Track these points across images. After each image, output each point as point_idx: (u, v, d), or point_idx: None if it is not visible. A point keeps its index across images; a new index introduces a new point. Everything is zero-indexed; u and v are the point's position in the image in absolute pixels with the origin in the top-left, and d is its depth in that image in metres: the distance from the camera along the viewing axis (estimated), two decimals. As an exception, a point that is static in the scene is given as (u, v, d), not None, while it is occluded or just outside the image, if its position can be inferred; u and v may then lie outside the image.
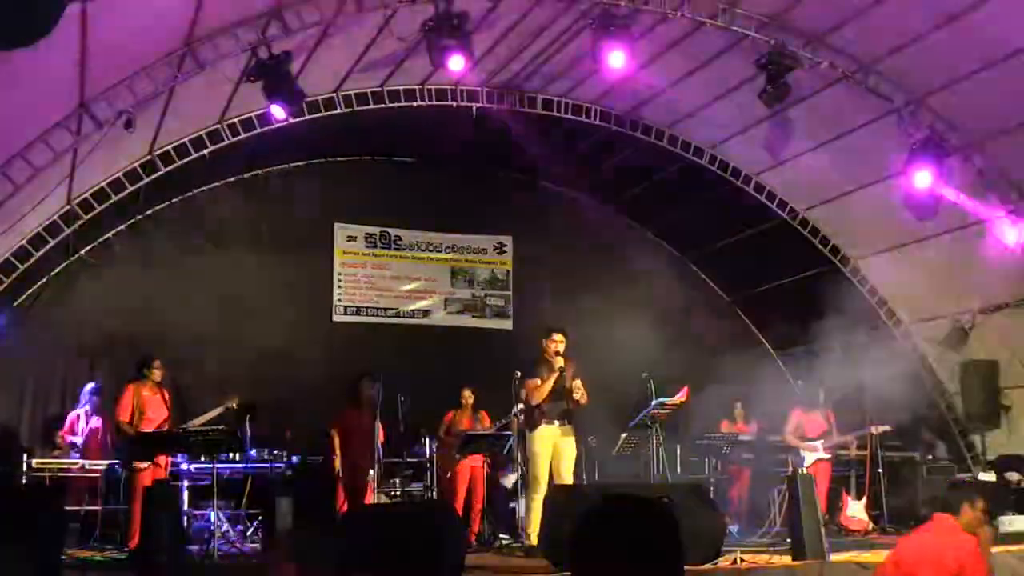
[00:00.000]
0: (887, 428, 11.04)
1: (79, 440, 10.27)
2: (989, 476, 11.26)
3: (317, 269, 12.86)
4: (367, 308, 13.13)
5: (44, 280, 10.84)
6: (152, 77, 8.54)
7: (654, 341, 11.39)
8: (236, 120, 10.48)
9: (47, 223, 10.16)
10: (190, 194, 11.99)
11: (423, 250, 13.53)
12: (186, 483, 9.56)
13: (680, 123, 12.09)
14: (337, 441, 9.77)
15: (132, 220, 11.56)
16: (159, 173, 10.53)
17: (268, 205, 12.48)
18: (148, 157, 10.39)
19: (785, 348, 14.37)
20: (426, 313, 13.47)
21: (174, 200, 11.90)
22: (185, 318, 11.32)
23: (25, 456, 9.70)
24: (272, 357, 11.44)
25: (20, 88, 7.38)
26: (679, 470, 11.42)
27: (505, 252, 13.94)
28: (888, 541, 9.71)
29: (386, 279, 13.30)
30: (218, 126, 10.49)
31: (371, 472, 9.65)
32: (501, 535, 10.07)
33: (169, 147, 10.44)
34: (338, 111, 10.75)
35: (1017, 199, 10.82)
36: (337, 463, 9.76)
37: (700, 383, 10.21)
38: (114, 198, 10.44)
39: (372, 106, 10.91)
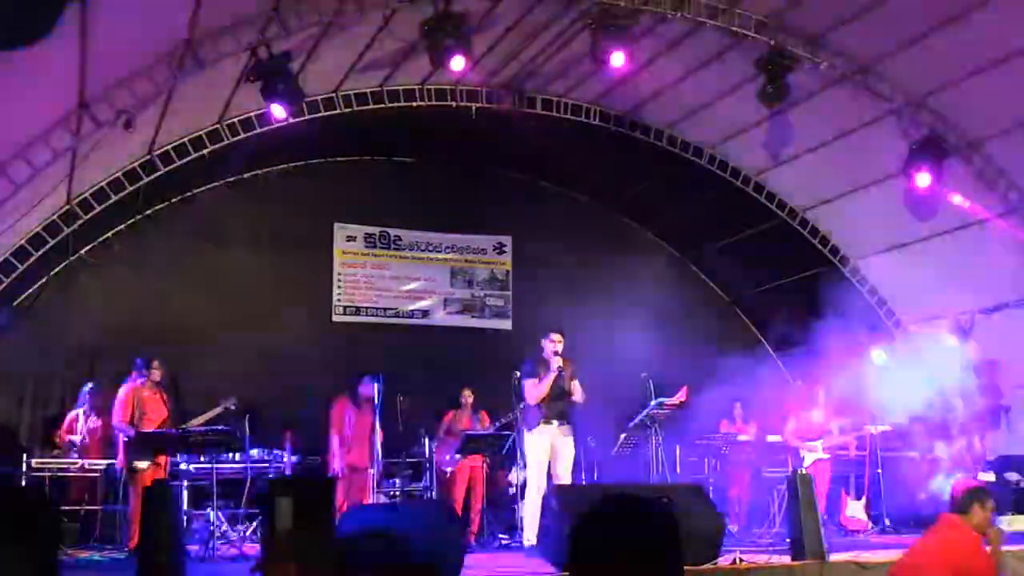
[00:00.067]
0: (886, 428, 11.04)
1: (78, 440, 10.26)
2: (988, 476, 11.25)
3: (317, 269, 12.86)
4: (367, 308, 13.13)
5: (44, 280, 10.85)
6: (152, 77, 8.53)
7: (654, 341, 11.40)
8: (236, 120, 10.49)
9: (47, 223, 10.16)
10: (190, 194, 11.99)
11: (423, 250, 13.53)
12: (186, 483, 9.56)
13: (680, 123, 12.09)
14: (336, 440, 9.77)
15: (132, 220, 11.55)
16: (159, 173, 10.53)
17: (268, 205, 12.46)
18: (148, 157, 10.39)
19: (785, 348, 14.36)
20: (425, 313, 13.47)
21: (174, 200, 11.89)
22: (185, 318, 11.33)
23: (24, 456, 9.71)
24: (272, 357, 11.46)
25: (20, 88, 7.38)
26: (679, 470, 11.42)
27: (504, 252, 13.93)
28: (887, 541, 9.73)
29: (386, 279, 13.30)
30: (218, 126, 10.50)
31: (371, 472, 9.65)
32: (500, 535, 10.07)
33: (169, 147, 10.45)
34: (338, 111, 10.76)
35: (1017, 199, 10.82)
36: (336, 463, 9.76)
37: (700, 383, 10.21)
38: (114, 198, 10.44)
39: (372, 106, 10.92)
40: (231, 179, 12.17)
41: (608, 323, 11.96)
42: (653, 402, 8.82)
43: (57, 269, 10.91)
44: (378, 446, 9.56)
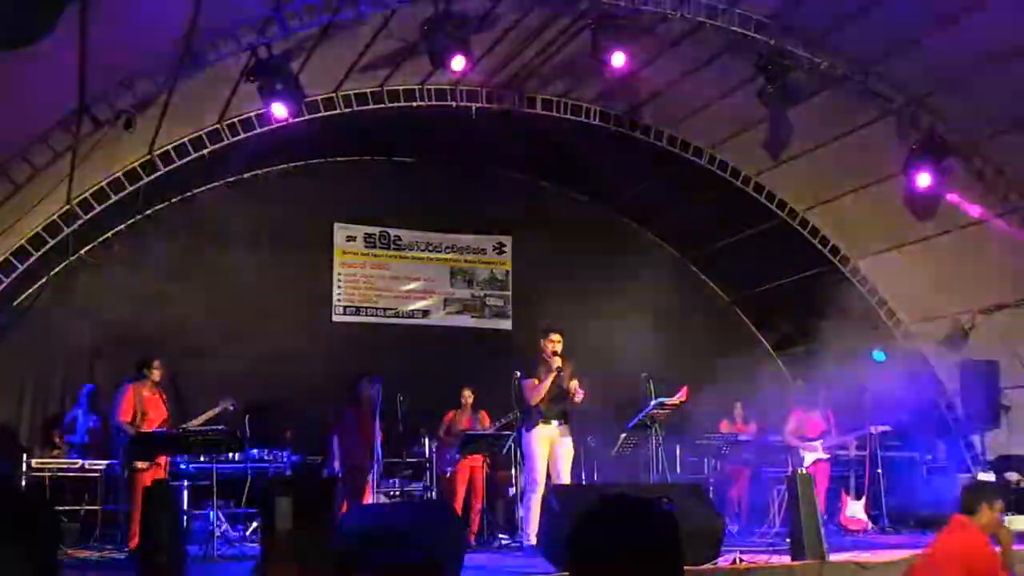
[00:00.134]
0: (886, 428, 11.05)
1: (77, 440, 10.27)
2: (988, 476, 11.26)
3: (316, 269, 12.87)
4: (366, 308, 13.14)
5: (44, 280, 10.84)
6: (152, 77, 8.53)
7: (654, 341, 11.40)
8: (236, 120, 10.48)
9: (47, 223, 10.15)
10: (190, 194, 11.99)
11: (422, 250, 13.53)
12: (186, 483, 9.56)
13: (680, 123, 12.09)
14: (337, 442, 9.78)
15: (132, 220, 11.55)
16: (159, 173, 10.51)
17: (268, 205, 12.47)
18: (148, 157, 10.38)
19: (785, 348, 14.38)
20: (425, 313, 13.47)
21: (174, 200, 11.90)
22: (185, 318, 11.32)
23: (24, 456, 9.72)
24: (272, 357, 11.44)
25: (20, 88, 7.38)
26: (679, 470, 11.42)
27: (504, 252, 13.94)
28: (887, 541, 9.73)
29: (385, 279, 13.30)
30: (218, 126, 10.49)
31: (371, 472, 9.66)
32: (500, 535, 10.07)
33: (169, 147, 10.43)
34: (338, 111, 10.75)
35: (1017, 199, 10.82)
36: (336, 464, 9.76)
37: (700, 383, 10.21)
38: (114, 198, 10.42)
39: (372, 106, 10.91)
40: (231, 179, 12.18)
41: (608, 323, 11.95)
42: (653, 402, 8.82)
43: (57, 269, 10.90)
44: (378, 446, 9.57)
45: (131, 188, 10.47)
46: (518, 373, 8.89)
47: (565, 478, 8.64)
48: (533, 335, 9.12)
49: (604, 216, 14.34)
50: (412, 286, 13.42)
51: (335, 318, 12.93)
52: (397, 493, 10.53)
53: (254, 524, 9.67)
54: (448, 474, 10.30)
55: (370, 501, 9.64)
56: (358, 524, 6.96)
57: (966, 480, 11.23)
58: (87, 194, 10.26)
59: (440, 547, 6.34)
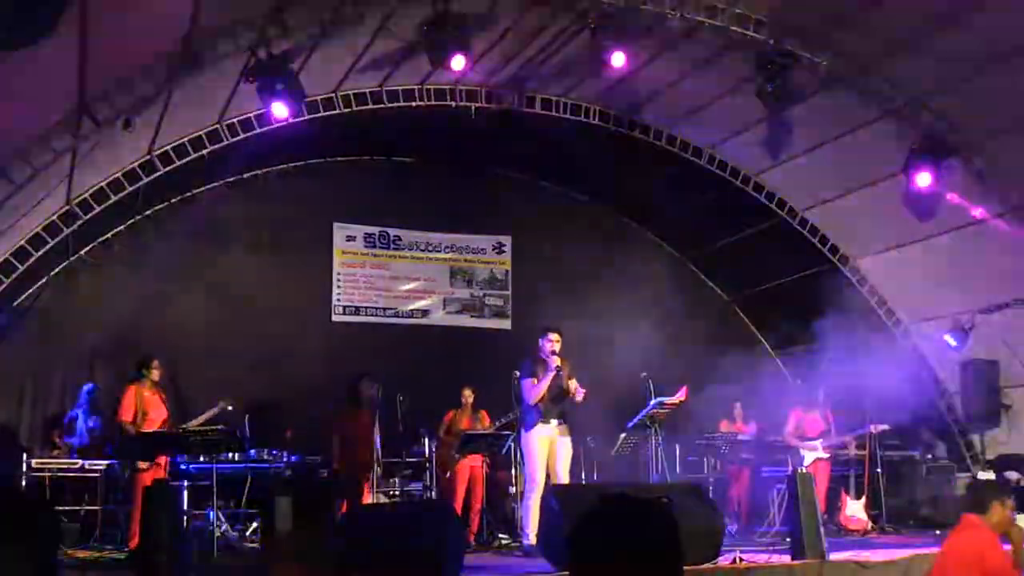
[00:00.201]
0: (886, 428, 11.05)
1: (77, 440, 10.27)
2: (988, 475, 11.27)
3: (316, 269, 12.87)
4: (366, 308, 13.14)
5: (44, 280, 10.84)
6: (152, 77, 8.53)
7: (654, 341, 11.38)
8: (235, 120, 10.47)
9: (46, 223, 10.14)
10: (190, 194, 11.99)
11: (422, 250, 13.53)
12: (186, 483, 9.56)
13: (680, 123, 12.09)
14: (337, 443, 9.78)
15: (131, 220, 11.55)
16: (158, 173, 10.51)
17: (268, 205, 12.47)
18: (147, 157, 10.37)
19: (785, 348, 14.37)
20: (425, 313, 13.47)
21: (174, 200, 11.90)
22: (185, 318, 11.34)
23: (24, 456, 9.72)
24: (272, 357, 11.46)
25: (20, 88, 7.38)
26: (678, 470, 11.42)
27: (504, 252, 13.94)
28: (887, 541, 9.73)
29: (385, 279, 13.30)
30: (217, 126, 10.49)
31: (371, 472, 9.66)
32: (500, 535, 10.07)
33: (168, 147, 10.43)
34: (337, 111, 10.75)
35: (1017, 199, 10.82)
36: (336, 464, 9.76)
37: (700, 383, 10.22)
38: (113, 198, 10.42)
39: (371, 106, 10.91)
40: (231, 179, 12.17)
41: (608, 323, 11.95)
42: (653, 402, 8.82)
43: (57, 269, 10.90)
44: (378, 446, 9.57)
45: (131, 188, 10.47)
46: (517, 373, 8.89)
47: (564, 478, 8.64)
48: (533, 335, 9.12)
49: (604, 216, 14.34)
50: (412, 286, 13.42)
51: (335, 318, 12.93)
52: (396, 493, 10.53)
53: (254, 524, 9.67)
54: (448, 474, 10.29)
55: (370, 501, 9.64)
56: (358, 524, 6.97)
57: (974, 479, 11.25)
58: (87, 194, 10.25)
59: (440, 547, 6.35)
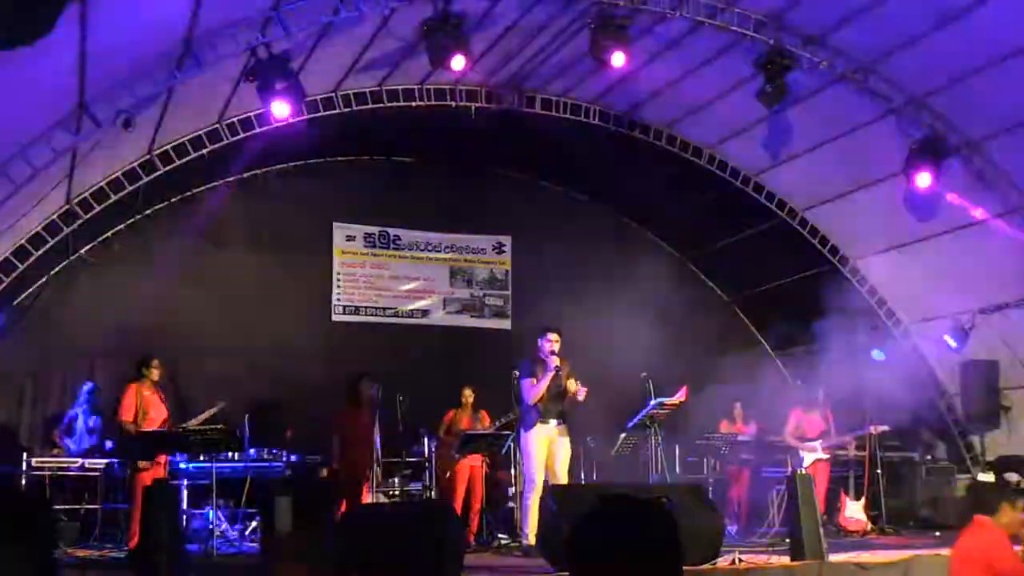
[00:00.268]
0: (886, 428, 11.04)
1: (77, 439, 10.27)
2: (988, 477, 11.26)
3: (316, 269, 12.87)
4: (366, 308, 13.14)
5: (44, 280, 10.86)
6: (151, 77, 8.53)
7: (653, 341, 11.38)
8: (235, 120, 10.49)
9: (47, 223, 10.17)
10: (190, 194, 11.99)
11: (422, 250, 13.53)
12: (185, 482, 9.57)
13: (680, 123, 12.09)
14: (337, 443, 9.77)
15: (131, 220, 11.56)
16: (158, 173, 10.53)
17: (267, 205, 12.47)
18: (147, 157, 10.40)
19: (785, 348, 14.37)
20: (425, 313, 13.47)
21: (174, 200, 11.90)
22: (184, 318, 11.33)
23: (25, 455, 9.72)
24: (271, 356, 11.46)
25: (20, 88, 7.38)
26: (678, 470, 11.42)
27: (504, 252, 13.94)
28: (887, 541, 9.73)
29: (385, 279, 13.30)
30: (217, 126, 10.50)
31: (370, 472, 9.66)
32: (500, 535, 10.07)
33: (168, 147, 10.45)
34: (337, 111, 10.75)
35: (1017, 199, 10.82)
36: (336, 463, 9.76)
37: (700, 383, 10.22)
38: (113, 198, 10.45)
39: (371, 106, 10.92)
40: (231, 179, 12.17)
41: (608, 323, 11.95)
42: (653, 402, 8.82)
43: (57, 269, 10.91)
44: (378, 446, 9.57)
45: (131, 188, 10.49)
46: (516, 372, 8.89)
47: (563, 477, 8.64)
48: (533, 335, 9.12)
49: (604, 216, 14.33)
50: (412, 286, 13.42)
51: (335, 318, 12.93)
52: (396, 493, 10.52)
53: (254, 523, 9.67)
54: (448, 474, 10.29)
55: (370, 501, 9.64)
56: (358, 524, 6.97)
57: (974, 481, 11.25)
58: (87, 194, 10.28)
59: (440, 547, 6.34)
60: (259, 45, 8.56)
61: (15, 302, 10.69)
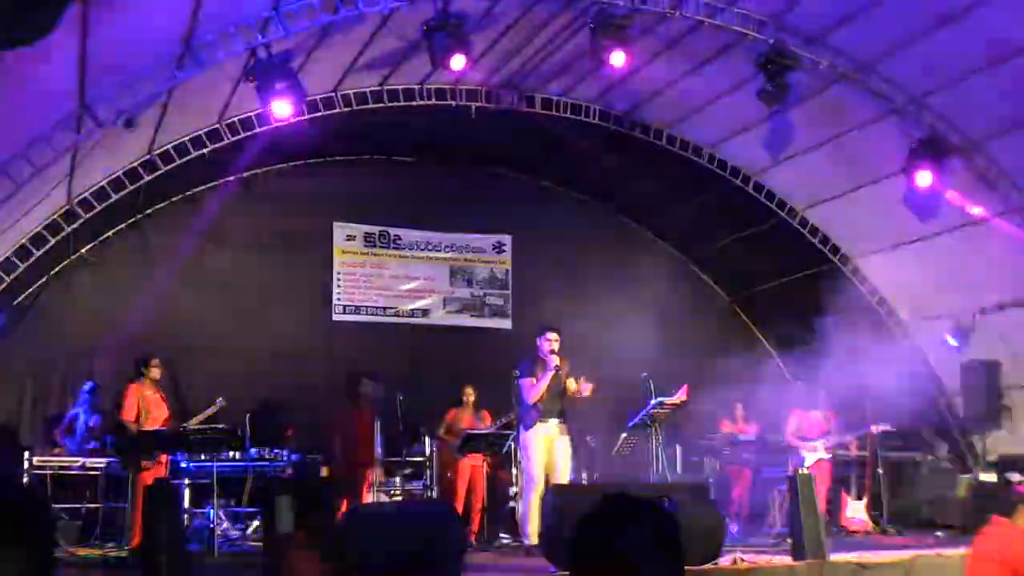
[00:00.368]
0: (887, 428, 11.04)
1: (77, 439, 10.27)
2: (990, 477, 11.26)
3: (316, 268, 12.87)
4: (366, 307, 13.14)
5: (44, 279, 10.85)
6: (152, 77, 8.53)
7: (654, 341, 11.40)
8: (236, 120, 10.49)
9: (47, 222, 10.17)
10: (190, 193, 11.99)
11: (422, 249, 13.53)
12: (187, 481, 9.57)
13: (680, 123, 12.09)
14: (338, 442, 9.78)
15: (132, 219, 11.57)
16: (159, 172, 10.54)
17: (268, 204, 12.48)
18: (148, 156, 10.39)
19: (785, 348, 14.37)
20: (425, 312, 13.47)
21: (174, 199, 11.91)
22: (185, 317, 11.34)
23: (25, 454, 9.72)
24: (272, 356, 11.47)
25: (21, 87, 7.38)
26: (679, 470, 11.42)
27: (504, 251, 13.94)
28: (888, 542, 9.73)
29: (385, 278, 13.30)
30: (218, 125, 10.50)
31: (371, 471, 9.66)
32: (501, 535, 10.08)
33: (169, 146, 10.45)
34: (337, 111, 10.75)
35: (1017, 199, 10.81)
36: (337, 463, 9.77)
37: (700, 383, 10.21)
38: (114, 197, 10.45)
39: (371, 105, 10.92)
40: (231, 178, 12.17)
41: (608, 323, 11.96)
42: (653, 402, 8.82)
43: (58, 268, 10.92)
44: (378, 445, 9.57)
45: (131, 187, 10.50)
46: (516, 372, 8.89)
47: (564, 477, 8.65)
48: (533, 334, 9.12)
49: (604, 216, 14.33)
50: (412, 285, 13.42)
51: (335, 317, 12.93)
52: (397, 492, 10.53)
53: (254, 523, 9.68)
54: (448, 473, 10.29)
55: (370, 501, 9.64)
56: (358, 524, 6.96)
57: (976, 481, 11.24)
58: (87, 193, 10.28)
59: (440, 547, 6.34)
60: (259, 45, 8.56)
61: (15, 302, 10.69)
